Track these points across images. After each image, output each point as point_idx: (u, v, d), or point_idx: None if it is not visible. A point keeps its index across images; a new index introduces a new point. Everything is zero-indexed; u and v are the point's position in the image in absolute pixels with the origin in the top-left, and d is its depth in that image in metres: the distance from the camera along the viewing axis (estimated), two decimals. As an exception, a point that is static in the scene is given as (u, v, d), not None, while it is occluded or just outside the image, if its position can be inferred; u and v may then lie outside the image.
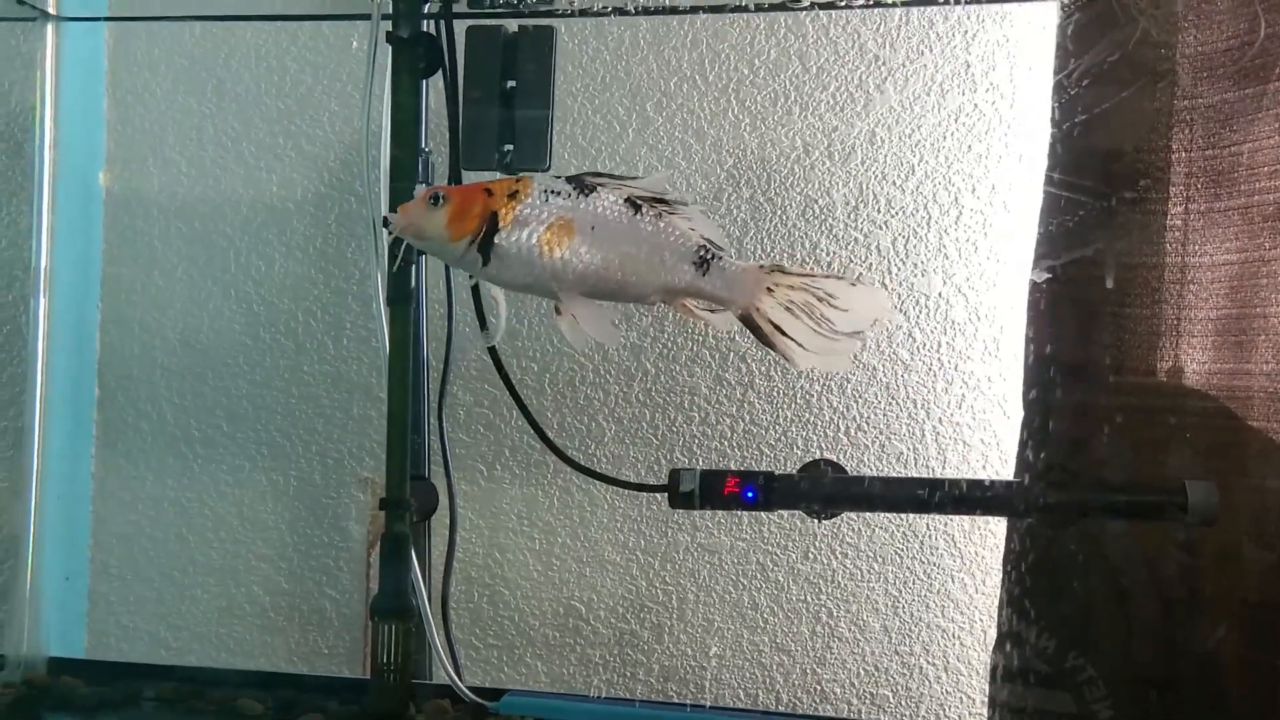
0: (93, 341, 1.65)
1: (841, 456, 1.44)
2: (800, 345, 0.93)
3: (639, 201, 0.93)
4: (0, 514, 1.56)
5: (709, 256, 0.93)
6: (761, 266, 0.94)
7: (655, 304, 0.97)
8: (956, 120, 1.42)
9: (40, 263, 1.53)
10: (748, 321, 0.94)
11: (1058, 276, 1.19)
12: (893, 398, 1.44)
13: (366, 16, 1.19)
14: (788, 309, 0.93)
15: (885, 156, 1.43)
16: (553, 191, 0.92)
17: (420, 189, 0.95)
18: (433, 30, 1.19)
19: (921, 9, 1.38)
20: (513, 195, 0.91)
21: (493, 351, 1.25)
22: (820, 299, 0.93)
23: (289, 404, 1.60)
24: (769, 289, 0.93)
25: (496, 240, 0.90)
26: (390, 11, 1.17)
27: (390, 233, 0.93)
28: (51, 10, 1.33)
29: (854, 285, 0.94)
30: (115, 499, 1.65)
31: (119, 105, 1.62)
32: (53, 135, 1.52)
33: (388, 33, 1.15)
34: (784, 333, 0.93)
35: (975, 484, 1.08)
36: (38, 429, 1.54)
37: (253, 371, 1.61)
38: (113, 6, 1.52)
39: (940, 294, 1.43)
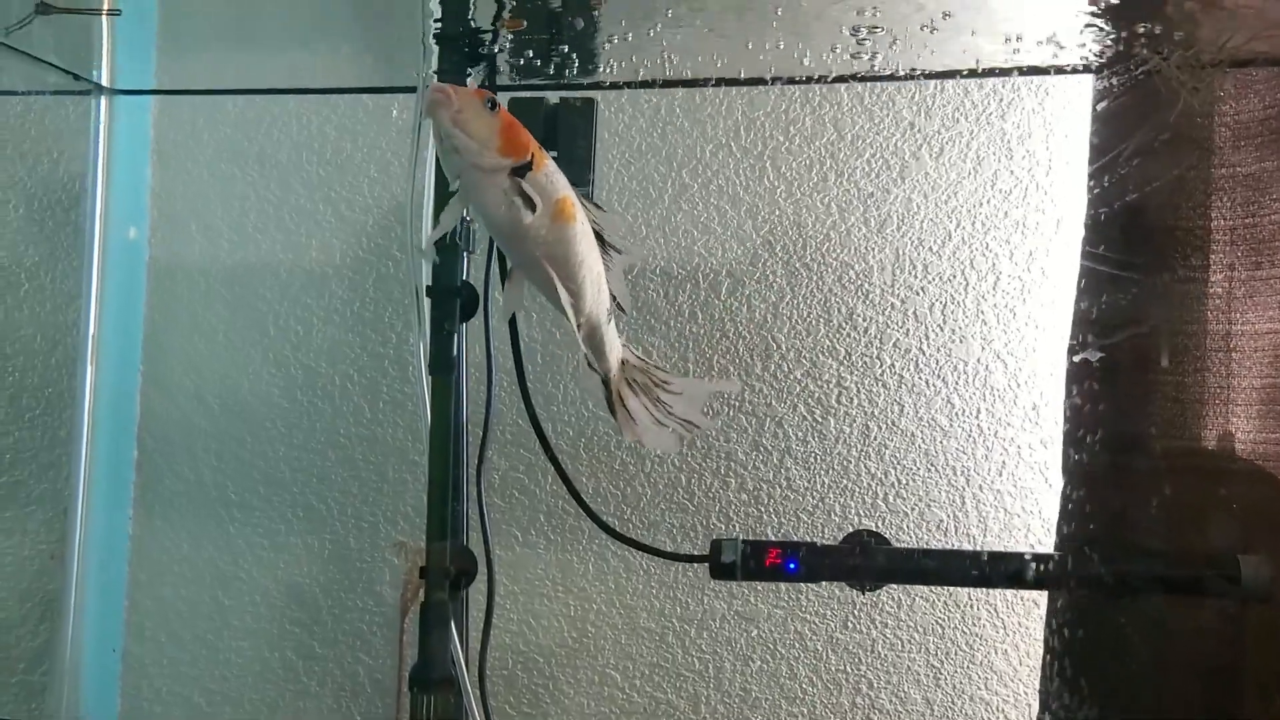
0: (133, 404, 1.66)
1: (880, 524, 1.43)
2: (631, 422, 0.98)
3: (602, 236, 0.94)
4: (39, 577, 1.57)
5: (614, 315, 0.96)
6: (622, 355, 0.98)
7: (578, 327, 0.96)
8: (993, 187, 1.42)
9: (89, 329, 1.56)
10: (606, 385, 0.98)
11: (1097, 345, 1.18)
12: (932, 464, 1.43)
13: (412, 89, 1.21)
14: (632, 384, 0.98)
15: (922, 223, 1.44)
16: (556, 170, 0.91)
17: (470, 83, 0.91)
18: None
19: (957, 78, 1.39)
20: (538, 155, 0.89)
21: (533, 418, 1.25)
22: (655, 384, 0.98)
23: (325, 467, 1.61)
24: (624, 373, 0.98)
25: (528, 176, 0.86)
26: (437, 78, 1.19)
27: (426, 111, 0.85)
28: (105, 84, 1.36)
29: (685, 377, 0.99)
30: (152, 562, 1.65)
31: (164, 173, 1.66)
32: (103, 203, 1.56)
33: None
34: (624, 404, 0.97)
35: (1019, 557, 1.07)
36: (81, 492, 1.56)
37: (290, 435, 1.62)
38: (159, 78, 1.56)
39: (979, 360, 1.42)
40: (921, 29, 1.07)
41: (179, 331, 1.65)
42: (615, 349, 0.96)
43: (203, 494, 1.64)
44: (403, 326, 1.58)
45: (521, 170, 0.85)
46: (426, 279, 1.19)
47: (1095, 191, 1.19)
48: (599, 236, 0.93)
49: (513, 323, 1.23)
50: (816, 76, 1.28)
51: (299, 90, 1.53)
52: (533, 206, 0.86)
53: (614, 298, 0.95)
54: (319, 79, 1.49)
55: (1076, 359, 1.18)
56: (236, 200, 1.64)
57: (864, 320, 1.45)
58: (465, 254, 1.21)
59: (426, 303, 1.18)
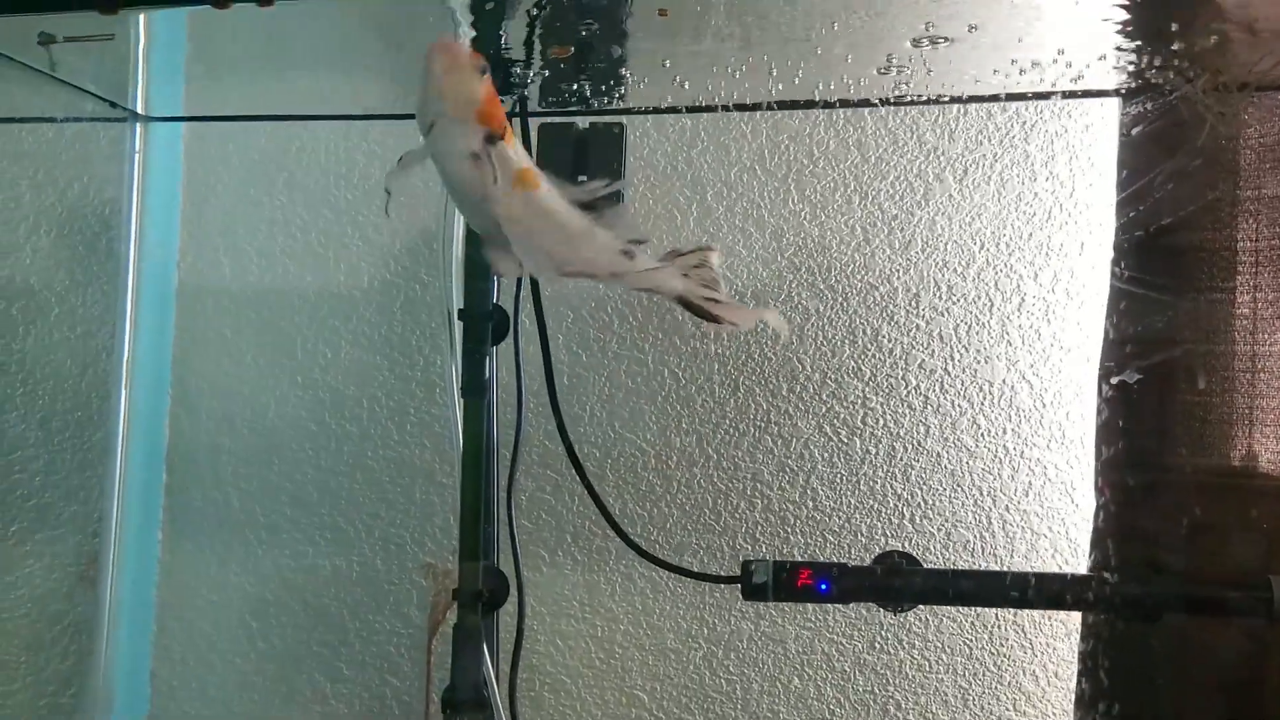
0: (162, 427, 1.68)
1: (907, 545, 1.44)
2: (736, 306, 0.97)
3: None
4: (69, 599, 1.58)
5: (633, 252, 0.95)
6: (670, 253, 0.98)
7: (578, 278, 0.98)
8: (1016, 209, 1.43)
9: (123, 352, 1.58)
10: (686, 305, 0.97)
11: (1127, 366, 1.19)
12: (958, 485, 1.44)
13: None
14: (706, 282, 0.97)
15: (946, 244, 1.45)
16: (520, 150, 0.94)
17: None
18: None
19: (983, 102, 1.40)
20: (506, 131, 0.92)
21: (565, 438, 1.26)
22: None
23: (353, 490, 1.62)
24: (684, 274, 0.96)
25: (497, 144, 0.89)
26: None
27: (425, 58, 0.89)
28: (140, 110, 1.38)
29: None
30: (180, 585, 1.66)
31: (194, 198, 1.68)
32: (136, 228, 1.57)
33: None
34: (717, 300, 0.96)
35: (1053, 578, 1.07)
36: (113, 515, 1.57)
37: (318, 457, 1.63)
38: (188, 104, 1.58)
39: (1004, 380, 1.43)
40: (945, 57, 1.08)
41: (208, 355, 1.67)
42: (664, 272, 0.96)
43: (231, 516, 1.65)
44: (430, 349, 1.59)
45: (491, 140, 0.89)
46: (459, 303, 1.20)
47: (1123, 214, 1.19)
48: (589, 206, 0.95)
49: (545, 346, 1.25)
50: (838, 100, 1.30)
51: (328, 117, 1.55)
52: (493, 174, 0.89)
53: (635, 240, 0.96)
54: (347, 105, 1.51)
55: (1106, 380, 1.19)
56: (265, 224, 1.66)
57: (889, 341, 1.46)
58: (496, 278, 1.23)
59: (458, 326, 1.20)
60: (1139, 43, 1.03)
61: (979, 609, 1.41)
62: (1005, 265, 1.43)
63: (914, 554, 1.17)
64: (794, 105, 1.30)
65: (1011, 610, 1.40)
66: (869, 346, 1.47)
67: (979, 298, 1.44)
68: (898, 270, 1.46)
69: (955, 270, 1.45)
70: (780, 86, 1.24)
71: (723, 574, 1.39)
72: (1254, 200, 1.16)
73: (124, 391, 1.58)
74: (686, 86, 1.28)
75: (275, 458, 1.64)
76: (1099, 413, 1.21)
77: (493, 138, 0.88)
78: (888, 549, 1.39)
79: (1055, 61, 1.10)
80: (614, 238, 0.95)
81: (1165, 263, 1.19)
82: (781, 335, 0.98)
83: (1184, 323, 1.18)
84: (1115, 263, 1.20)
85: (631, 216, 1.01)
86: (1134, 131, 1.17)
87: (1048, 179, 1.42)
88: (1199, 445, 1.17)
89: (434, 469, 1.59)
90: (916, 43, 1.04)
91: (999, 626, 1.42)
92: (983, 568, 1.41)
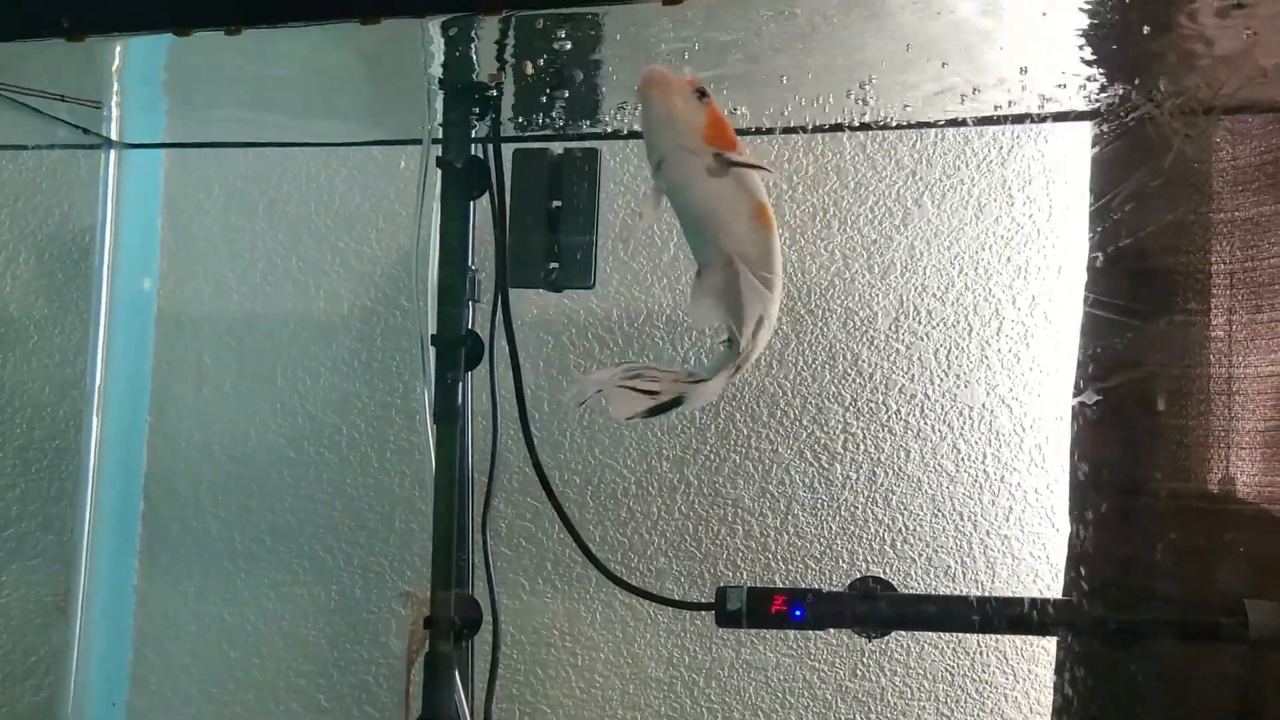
0: (140, 455, 1.67)
1: (887, 570, 1.42)
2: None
3: None
4: (44, 630, 1.56)
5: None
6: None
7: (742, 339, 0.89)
8: (994, 233, 1.43)
9: (95, 381, 1.57)
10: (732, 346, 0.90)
11: (1101, 389, 1.18)
12: (939, 510, 1.43)
13: (417, 142, 1.22)
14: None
15: (925, 269, 1.45)
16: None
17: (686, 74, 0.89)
18: (479, 153, 1.23)
19: (957, 127, 1.41)
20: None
21: (537, 466, 1.25)
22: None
23: (332, 518, 1.61)
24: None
25: (734, 171, 0.86)
26: (440, 137, 1.21)
27: (640, 90, 0.86)
28: (115, 137, 1.38)
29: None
30: (157, 614, 1.65)
31: (173, 225, 1.68)
32: (111, 255, 1.57)
33: (438, 158, 1.19)
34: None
35: (1029, 603, 1.06)
36: (86, 544, 1.56)
37: (297, 485, 1.62)
38: (169, 129, 1.59)
39: (984, 404, 1.42)
40: (914, 87, 1.09)
41: (187, 382, 1.66)
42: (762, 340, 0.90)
43: (209, 545, 1.64)
44: (410, 376, 1.58)
45: (729, 161, 0.86)
46: (432, 328, 1.20)
47: (1095, 237, 1.19)
48: None
49: (516, 371, 1.24)
50: (813, 126, 1.30)
51: (308, 144, 1.55)
52: (732, 203, 0.85)
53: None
54: (328, 132, 1.51)
55: (1081, 403, 1.18)
56: (245, 252, 1.66)
57: (869, 366, 1.46)
58: (471, 304, 1.23)
59: (431, 352, 1.19)
60: (1105, 68, 1.03)
61: (960, 635, 1.40)
62: (984, 289, 1.43)
63: (893, 579, 1.16)
64: (769, 131, 1.31)
65: (993, 637, 1.39)
66: (849, 371, 1.46)
67: (958, 322, 1.44)
68: (877, 295, 1.46)
69: (934, 294, 1.45)
70: (751, 113, 1.24)
71: (702, 601, 1.38)
72: (1227, 223, 1.16)
73: (95, 420, 1.57)
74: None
75: (254, 486, 1.63)
76: (1074, 436, 1.20)
77: (725, 159, 0.85)
78: (865, 574, 1.38)
79: (1025, 88, 1.10)
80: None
81: (1138, 286, 1.18)
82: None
83: (1158, 346, 1.17)
84: (1088, 286, 1.19)
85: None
86: (1103, 153, 1.17)
87: (1025, 203, 1.43)
88: (1175, 468, 1.16)
89: (413, 496, 1.57)
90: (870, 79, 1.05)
91: (981, 653, 1.41)
92: (962, 592, 1.40)
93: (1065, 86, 1.07)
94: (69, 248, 1.58)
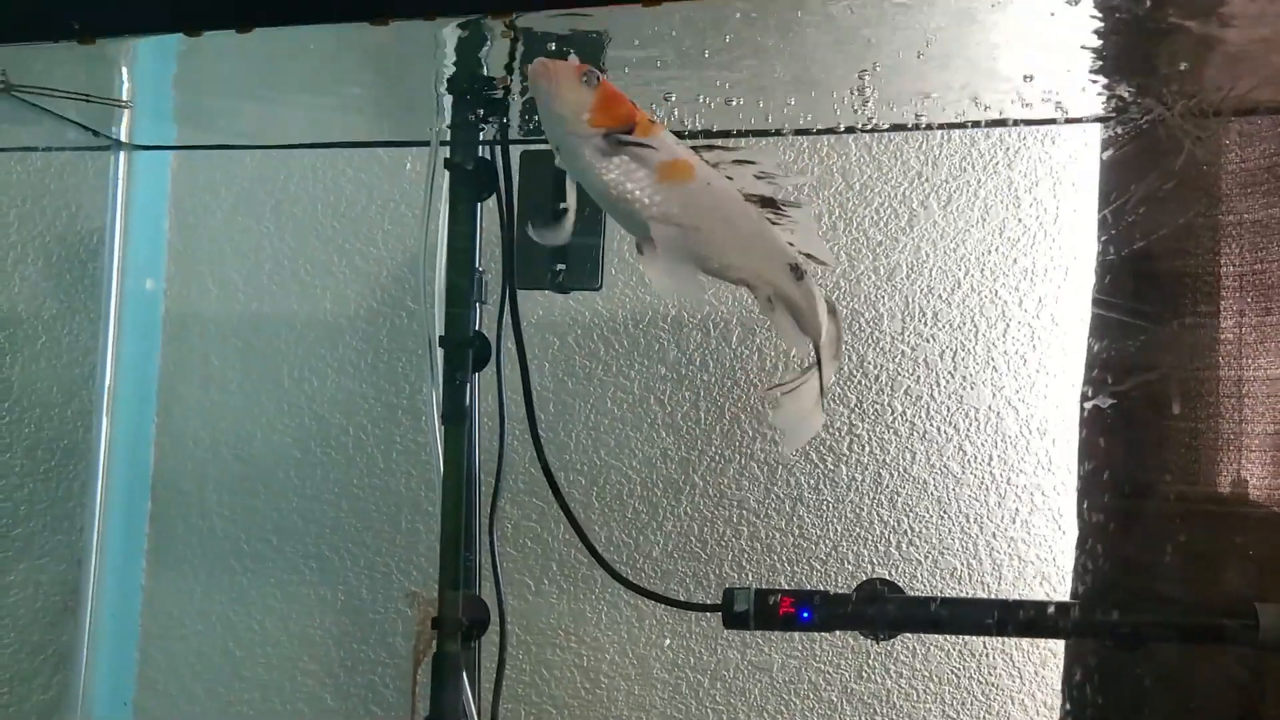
0: (147, 456, 1.67)
1: (893, 572, 1.42)
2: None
3: (748, 198, 0.88)
4: (53, 629, 1.57)
5: (803, 270, 0.89)
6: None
7: (740, 285, 0.90)
8: (1001, 235, 1.43)
9: (104, 381, 1.57)
10: (820, 351, 0.90)
11: (1110, 392, 1.18)
12: (945, 512, 1.43)
13: (425, 143, 1.22)
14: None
15: (931, 270, 1.45)
16: (677, 142, 0.88)
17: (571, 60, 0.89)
18: (488, 154, 1.23)
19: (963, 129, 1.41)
20: (651, 123, 0.87)
21: (545, 468, 1.25)
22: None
23: (338, 518, 1.61)
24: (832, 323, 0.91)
25: (624, 141, 0.85)
26: (448, 139, 1.21)
27: (529, 82, 0.86)
28: (124, 139, 1.39)
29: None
30: (164, 614, 1.65)
31: (181, 226, 1.68)
32: (120, 256, 1.58)
33: (446, 159, 1.19)
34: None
35: (1034, 606, 1.06)
36: (94, 544, 1.57)
37: (303, 485, 1.62)
38: (178, 132, 1.59)
39: (990, 406, 1.42)
40: (921, 92, 1.08)
41: (194, 383, 1.66)
42: (822, 306, 0.89)
43: (215, 545, 1.64)
44: (416, 377, 1.59)
45: (622, 137, 0.85)
46: (440, 330, 1.20)
47: (1104, 239, 1.19)
48: (768, 202, 0.88)
49: (525, 373, 1.24)
50: (819, 128, 1.30)
51: (315, 145, 1.55)
52: (628, 167, 0.85)
53: (809, 257, 0.89)
54: (334, 133, 1.51)
55: (1089, 406, 1.18)
56: (252, 252, 1.66)
57: (875, 368, 1.46)
58: (478, 305, 1.23)
59: (439, 353, 1.19)
60: (1116, 70, 1.03)
61: (966, 637, 1.39)
62: (990, 290, 1.43)
63: (899, 581, 1.16)
64: (778, 133, 1.31)
65: (999, 639, 1.39)
66: (855, 373, 1.46)
67: (964, 323, 1.44)
68: (883, 296, 1.46)
69: (940, 296, 1.44)
70: (750, 119, 1.24)
71: (707, 602, 1.38)
72: (1236, 225, 1.15)
73: (105, 420, 1.58)
74: (675, 113, 1.28)
75: (260, 486, 1.63)
76: (1082, 439, 1.20)
77: (616, 137, 0.85)
78: (873, 576, 1.38)
79: (1029, 89, 1.10)
80: (787, 246, 0.88)
81: (1147, 288, 1.18)
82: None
83: (1167, 348, 1.17)
84: (1097, 288, 1.19)
85: (812, 225, 0.91)
86: (1112, 156, 1.17)
87: (1031, 204, 1.42)
88: (1184, 471, 1.16)
89: (419, 497, 1.58)
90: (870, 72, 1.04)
91: (987, 655, 1.41)
92: (968, 595, 1.40)
93: (1077, 90, 1.07)
94: (77, 249, 1.59)
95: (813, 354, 0.90)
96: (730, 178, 0.88)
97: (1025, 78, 1.05)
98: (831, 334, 0.91)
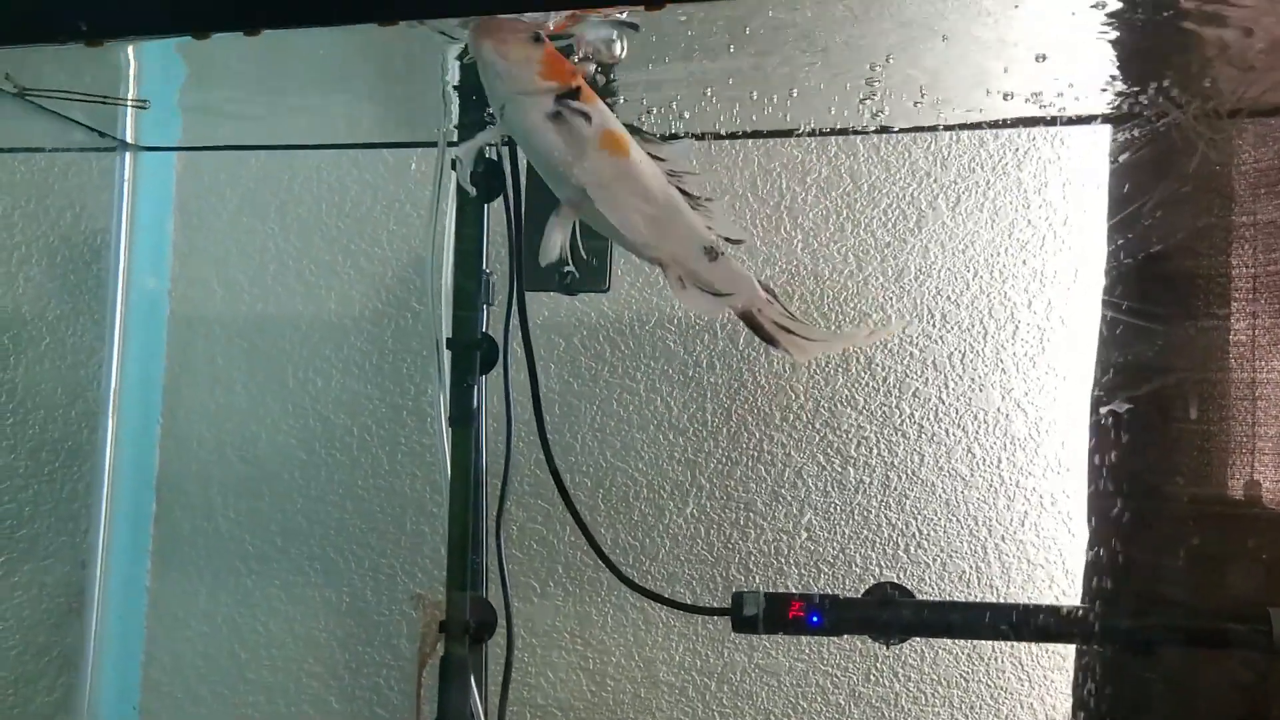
0: (152, 457, 1.67)
1: (901, 575, 1.42)
2: (804, 338, 0.93)
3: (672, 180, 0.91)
4: (57, 630, 1.56)
5: (719, 251, 0.91)
6: (761, 283, 0.93)
7: (651, 261, 0.92)
8: (1010, 236, 1.42)
9: (109, 382, 1.57)
10: (748, 320, 0.93)
11: (1121, 394, 1.17)
12: (953, 514, 1.42)
13: (432, 144, 1.22)
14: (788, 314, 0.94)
15: (939, 272, 1.44)
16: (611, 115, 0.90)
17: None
18: (495, 156, 1.22)
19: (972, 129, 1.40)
20: (592, 88, 0.88)
21: (553, 468, 1.25)
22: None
23: (343, 519, 1.61)
24: (769, 299, 0.93)
25: (571, 107, 0.86)
26: (455, 140, 1.20)
27: (471, 40, 0.86)
28: (129, 140, 1.38)
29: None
30: (169, 615, 1.65)
31: (185, 227, 1.68)
32: (126, 257, 1.57)
33: (453, 160, 1.18)
34: (788, 332, 0.92)
35: (1045, 610, 1.05)
36: (100, 545, 1.56)
37: (308, 487, 1.62)
38: (184, 133, 1.58)
39: (999, 409, 1.42)
40: (924, 92, 1.08)
41: (199, 384, 1.66)
42: (741, 280, 0.91)
43: (220, 546, 1.64)
44: (421, 378, 1.58)
45: (569, 96, 0.86)
46: (447, 331, 1.19)
47: (1116, 241, 1.18)
48: (685, 193, 0.90)
49: (533, 376, 1.23)
50: (830, 129, 1.29)
51: (320, 145, 1.55)
52: (575, 132, 0.86)
53: (726, 239, 0.91)
54: (340, 134, 1.51)
55: (1100, 409, 1.17)
56: (257, 253, 1.65)
57: (883, 370, 1.45)
58: (485, 306, 1.22)
59: (446, 355, 1.19)
60: (1129, 71, 1.03)
61: (975, 641, 1.39)
62: (999, 292, 1.42)
63: (908, 584, 1.15)
64: (786, 134, 1.30)
65: (1008, 643, 1.38)
66: (863, 374, 1.45)
67: (973, 325, 1.43)
68: (891, 298, 1.45)
69: (949, 298, 1.44)
70: (752, 119, 1.23)
71: (714, 606, 1.37)
72: (1249, 226, 1.15)
73: (110, 421, 1.58)
74: (686, 116, 1.28)
75: (265, 487, 1.63)
76: (1092, 442, 1.19)
77: (566, 93, 0.86)
78: (882, 580, 1.37)
79: (1044, 89, 1.10)
80: (703, 229, 0.90)
81: (1159, 290, 1.17)
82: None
83: (1179, 350, 1.16)
84: (1108, 290, 1.18)
85: (727, 212, 0.95)
86: (1124, 158, 1.16)
87: (1041, 205, 1.42)
88: (1196, 474, 1.15)
89: (424, 498, 1.57)
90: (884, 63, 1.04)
91: (996, 659, 1.40)
92: (978, 599, 1.39)
93: (1089, 91, 1.06)
94: (82, 250, 1.58)
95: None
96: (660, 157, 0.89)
97: (1037, 79, 1.04)
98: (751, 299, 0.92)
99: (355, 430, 1.61)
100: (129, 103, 1.28)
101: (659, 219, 0.89)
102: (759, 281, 0.93)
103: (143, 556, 1.66)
